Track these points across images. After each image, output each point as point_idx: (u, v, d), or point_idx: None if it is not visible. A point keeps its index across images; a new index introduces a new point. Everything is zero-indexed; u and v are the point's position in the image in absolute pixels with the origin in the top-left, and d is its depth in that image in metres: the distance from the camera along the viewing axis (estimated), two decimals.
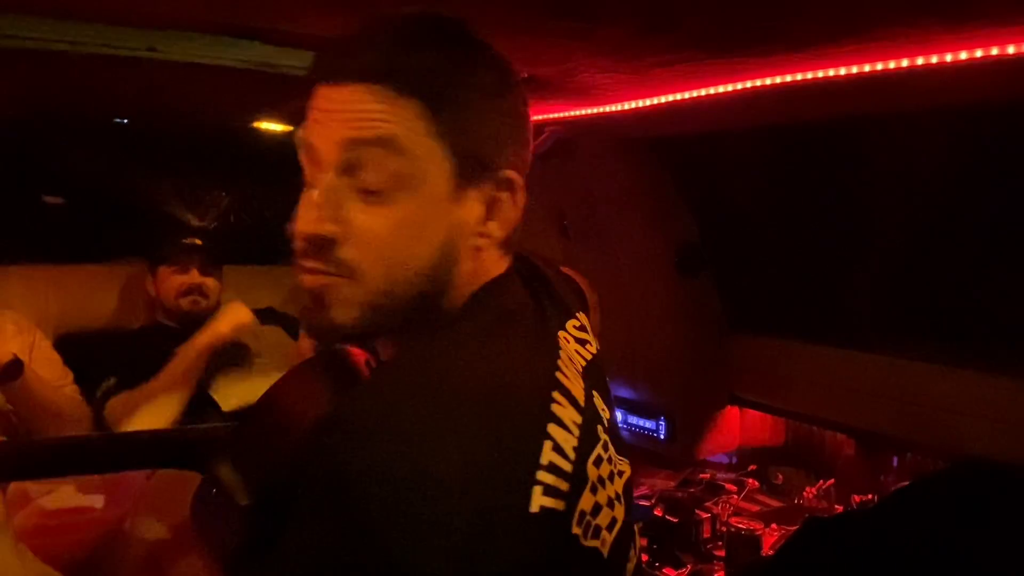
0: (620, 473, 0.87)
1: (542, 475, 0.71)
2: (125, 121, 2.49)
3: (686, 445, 2.35)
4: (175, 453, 1.23)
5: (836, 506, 2.10)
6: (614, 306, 2.36)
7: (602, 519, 0.79)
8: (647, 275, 2.29)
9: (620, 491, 0.85)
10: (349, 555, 0.63)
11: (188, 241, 2.50)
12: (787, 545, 1.35)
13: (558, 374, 0.79)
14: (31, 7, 1.38)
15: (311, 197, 0.77)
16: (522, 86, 0.86)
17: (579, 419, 0.78)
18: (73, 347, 2.40)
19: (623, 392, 2.47)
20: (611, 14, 1.12)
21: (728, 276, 2.30)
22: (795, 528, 1.48)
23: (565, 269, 1.19)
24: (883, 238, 1.93)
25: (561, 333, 0.87)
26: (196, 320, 2.39)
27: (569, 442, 0.75)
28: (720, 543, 2.00)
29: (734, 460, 2.44)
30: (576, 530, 0.75)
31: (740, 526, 1.95)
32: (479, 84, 0.79)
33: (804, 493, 2.20)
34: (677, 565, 1.96)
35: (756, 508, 2.16)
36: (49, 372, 2.19)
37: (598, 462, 0.80)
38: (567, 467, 0.74)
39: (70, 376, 2.28)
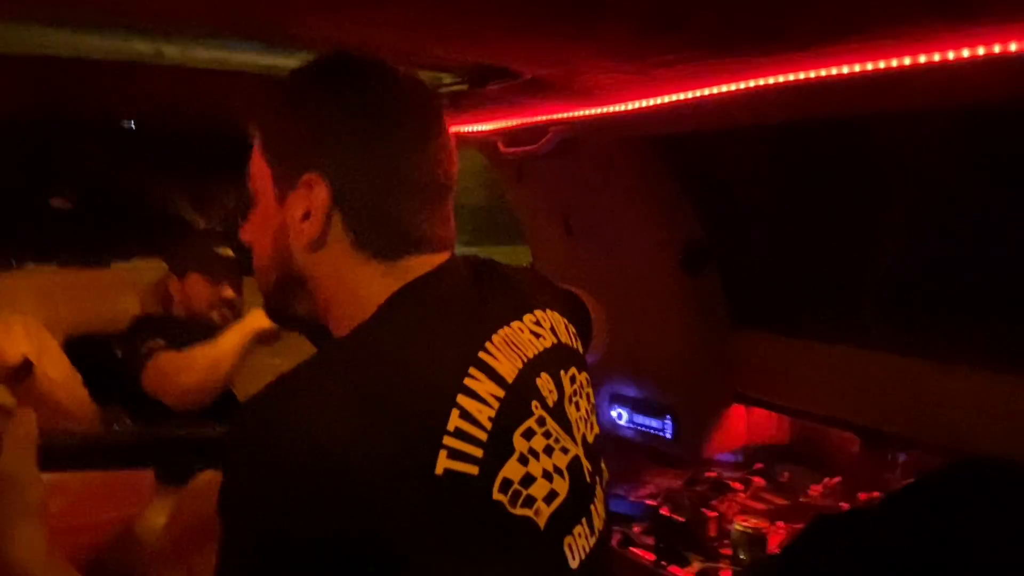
0: (565, 450, 0.91)
1: (448, 440, 0.78)
2: (132, 124, 2.51)
3: (692, 443, 2.35)
4: (202, 450, 1.25)
5: (842, 504, 2.10)
6: (618, 305, 2.37)
7: (536, 490, 0.85)
8: (651, 273, 2.29)
9: (564, 467, 0.90)
10: (239, 517, 0.75)
11: (224, 254, 2.50)
12: (795, 542, 1.36)
13: (481, 354, 0.86)
14: (41, 15, 1.40)
15: None
16: (373, 91, 0.93)
17: (500, 393, 0.84)
18: (85, 350, 2.42)
19: (629, 391, 2.48)
20: (612, 15, 1.13)
21: (733, 274, 2.31)
22: (801, 526, 1.49)
23: (569, 287, 1.27)
24: (887, 235, 1.93)
25: (508, 323, 0.93)
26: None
27: (484, 413, 0.82)
28: (727, 541, 2.00)
29: (740, 458, 2.45)
30: (499, 496, 0.81)
31: (746, 524, 1.95)
32: (286, 98, 0.95)
33: (810, 491, 2.20)
34: (684, 564, 1.97)
35: (762, 506, 2.16)
36: (58, 373, 2.20)
37: (528, 434, 0.86)
38: (481, 434, 0.80)
39: (79, 378, 2.29)
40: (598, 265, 2.37)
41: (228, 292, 2.46)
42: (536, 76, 1.59)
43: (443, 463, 0.77)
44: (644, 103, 1.71)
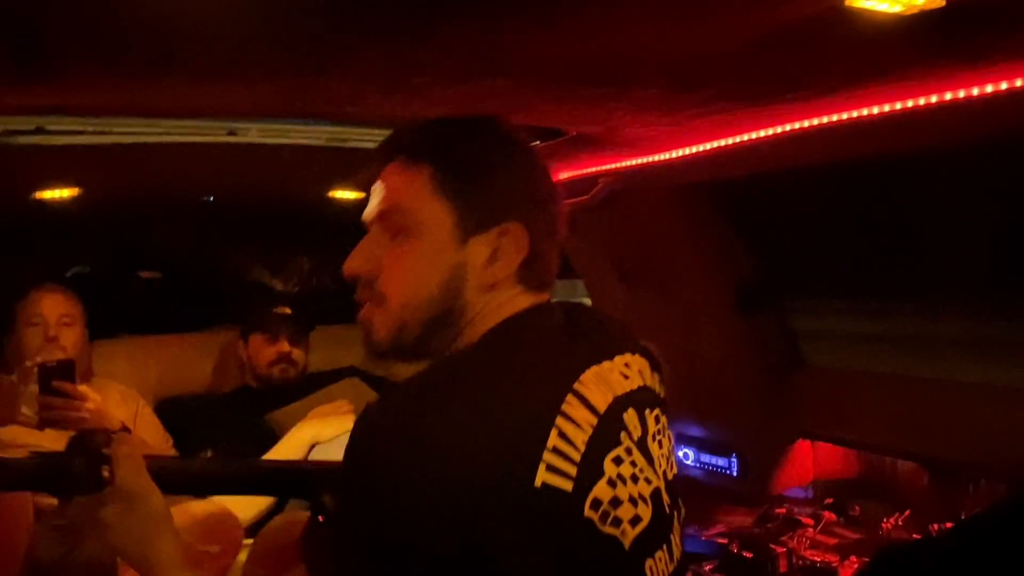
0: (648, 480, 0.97)
1: (548, 456, 0.85)
2: (211, 199, 2.68)
3: (759, 481, 2.36)
4: (291, 484, 1.36)
5: (914, 536, 2.08)
6: (678, 347, 2.41)
7: (623, 512, 0.91)
8: (708, 315, 2.33)
9: (647, 495, 0.96)
10: (365, 519, 0.83)
11: (279, 311, 2.62)
12: (861, 573, 1.37)
13: (577, 385, 0.93)
14: (126, 109, 1.55)
15: (355, 248, 1.02)
16: (532, 152, 1.06)
17: (593, 420, 0.91)
18: (171, 412, 2.57)
19: (692, 431, 2.50)
20: (642, 78, 1.22)
21: (791, 310, 2.33)
22: None
23: (646, 343, 1.35)
24: (942, 266, 1.95)
25: (599, 362, 1.00)
26: (285, 386, 2.54)
27: (579, 436, 0.89)
28: None
29: (810, 494, 2.44)
30: (590, 513, 0.88)
31: (816, 559, 1.95)
32: (482, 153, 1.01)
33: (882, 524, 2.18)
34: None
35: (834, 541, 2.15)
36: (151, 437, 2.34)
37: (618, 461, 0.93)
38: (574, 455, 0.87)
39: (170, 441, 2.43)
40: (655, 310, 2.42)
41: (285, 347, 2.57)
42: (580, 133, 1.69)
43: (542, 476, 0.84)
44: (686, 151, 1.79)
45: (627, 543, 0.91)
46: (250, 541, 1.75)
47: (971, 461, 1.93)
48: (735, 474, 2.39)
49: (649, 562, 0.95)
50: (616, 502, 0.91)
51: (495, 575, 0.82)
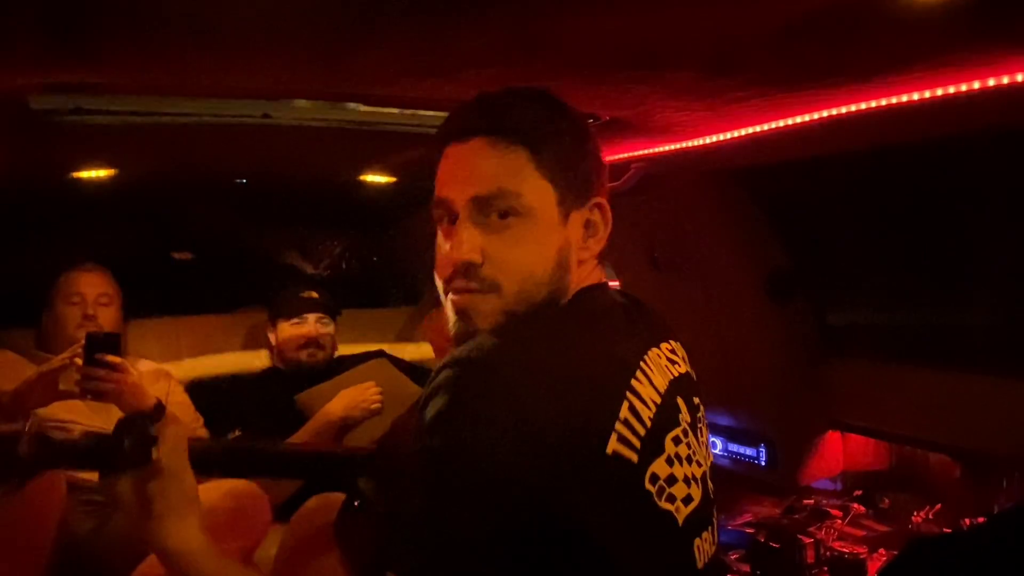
0: (699, 463, 1.00)
1: (619, 427, 0.88)
2: (244, 181, 2.70)
3: (788, 471, 2.34)
4: (326, 468, 1.37)
5: (945, 530, 2.05)
6: (708, 334, 2.40)
7: (677, 490, 0.94)
8: (739, 303, 2.32)
9: (698, 477, 0.98)
10: (451, 476, 0.83)
11: (306, 296, 2.64)
12: (890, 566, 1.36)
13: (642, 363, 0.96)
14: (161, 88, 1.56)
15: (459, 235, 0.98)
16: (594, 132, 1.07)
17: (658, 399, 0.95)
18: (201, 392, 2.60)
19: (722, 420, 2.49)
20: (676, 62, 1.21)
21: (823, 300, 2.31)
22: None
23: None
24: (979, 258, 1.92)
25: (653, 346, 1.02)
26: (313, 369, 2.56)
27: (645, 412, 0.92)
28: (825, 568, 1.99)
29: (839, 486, 2.42)
30: (649, 487, 0.90)
31: (844, 551, 1.94)
32: (568, 131, 1.01)
33: (912, 517, 2.16)
34: None
35: (862, 533, 2.13)
36: (183, 415, 2.36)
37: (676, 441, 0.96)
38: (641, 429, 0.91)
39: (200, 420, 2.46)
40: (686, 297, 2.41)
41: (312, 331, 2.59)
42: (613, 117, 1.68)
43: (613, 444, 0.87)
44: (720, 137, 1.77)
45: (680, 520, 0.94)
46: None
47: (1004, 454, 1.90)
48: (764, 464, 2.38)
49: (697, 541, 0.97)
50: (672, 479, 0.93)
51: (564, 531, 0.84)
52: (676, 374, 1.03)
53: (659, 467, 0.92)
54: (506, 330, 0.94)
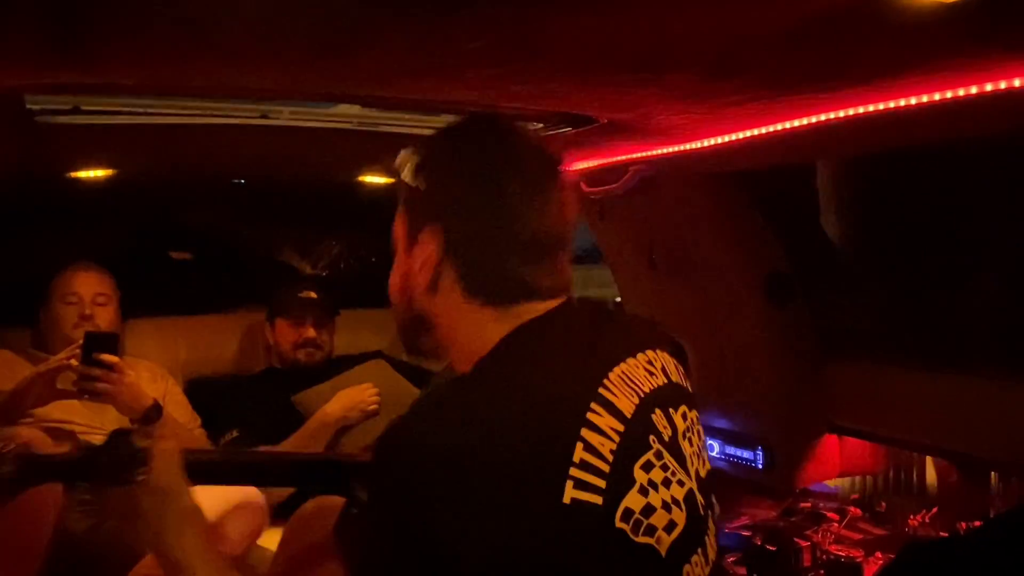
0: (681, 483, 0.96)
1: (575, 472, 0.84)
2: (242, 181, 2.69)
3: (785, 474, 2.34)
4: (323, 475, 1.37)
5: (941, 533, 2.06)
6: (706, 337, 2.40)
7: (657, 520, 0.90)
8: (738, 305, 2.31)
9: (681, 498, 0.94)
10: (389, 521, 0.83)
11: (304, 296, 2.64)
12: (887, 569, 1.36)
13: (601, 390, 0.92)
14: (160, 88, 1.56)
15: None
16: (499, 153, 1.03)
17: (621, 427, 0.90)
18: (199, 392, 2.60)
19: (718, 422, 2.49)
20: (675, 65, 1.20)
21: (822, 303, 2.31)
22: None
23: (677, 339, 1.34)
24: (975, 263, 1.92)
25: (624, 360, 0.98)
26: (311, 369, 2.55)
27: (606, 446, 0.88)
28: (821, 571, 1.99)
29: (836, 489, 2.42)
30: (622, 525, 0.87)
31: (840, 554, 1.94)
32: (419, 159, 1.03)
33: (909, 521, 2.16)
34: None
35: (859, 536, 2.14)
36: (181, 415, 2.36)
37: (647, 467, 0.92)
38: (604, 466, 0.86)
39: (198, 420, 2.46)
40: (684, 299, 2.41)
41: (310, 332, 2.59)
42: (612, 120, 1.67)
43: (570, 492, 0.83)
44: (718, 140, 1.76)
45: (663, 550, 0.90)
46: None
47: (1001, 459, 1.91)
48: (760, 466, 2.37)
49: (686, 568, 0.94)
50: (649, 510, 0.89)
51: None
52: (652, 387, 0.99)
53: (632, 500, 0.88)
54: (430, 407, 0.92)
